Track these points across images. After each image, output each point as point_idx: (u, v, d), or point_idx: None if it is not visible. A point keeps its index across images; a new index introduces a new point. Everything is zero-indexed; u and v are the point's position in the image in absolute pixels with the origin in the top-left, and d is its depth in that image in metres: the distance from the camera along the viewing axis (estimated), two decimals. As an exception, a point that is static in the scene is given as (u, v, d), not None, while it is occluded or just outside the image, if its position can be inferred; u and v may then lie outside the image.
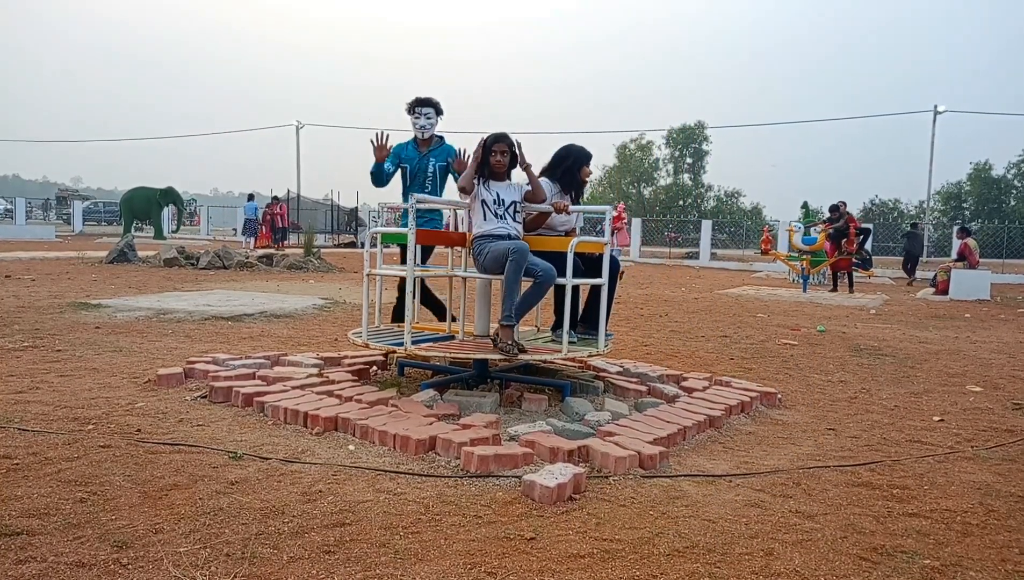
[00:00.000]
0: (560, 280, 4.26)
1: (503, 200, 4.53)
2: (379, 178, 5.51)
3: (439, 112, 5.61)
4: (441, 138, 5.73)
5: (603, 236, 4.73)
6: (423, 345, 4.50)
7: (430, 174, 5.61)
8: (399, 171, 5.66)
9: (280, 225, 27.37)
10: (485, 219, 4.53)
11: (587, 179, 5.02)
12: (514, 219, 4.56)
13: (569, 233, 4.96)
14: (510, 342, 4.21)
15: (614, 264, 4.78)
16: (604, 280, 4.51)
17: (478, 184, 4.60)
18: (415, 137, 5.67)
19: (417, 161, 5.61)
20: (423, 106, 5.54)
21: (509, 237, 4.47)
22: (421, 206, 5.15)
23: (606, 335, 4.69)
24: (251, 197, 28.84)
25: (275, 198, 28.56)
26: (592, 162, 4.99)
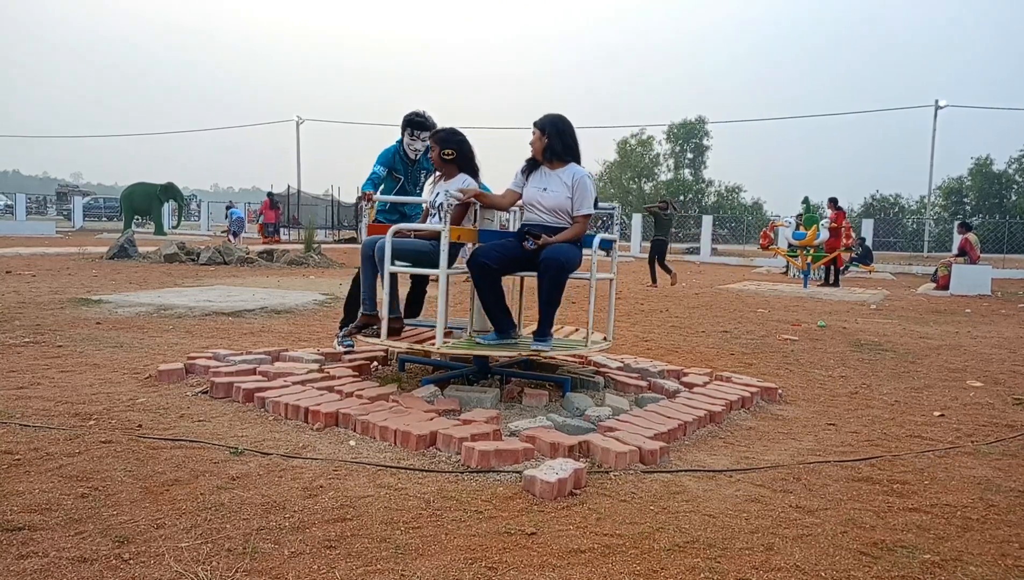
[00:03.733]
0: (433, 271, 4.30)
1: (439, 202, 4.63)
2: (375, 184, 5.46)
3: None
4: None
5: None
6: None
7: (420, 179, 5.74)
8: (388, 174, 5.61)
9: (266, 220, 27.62)
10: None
11: (533, 147, 4.37)
12: (442, 219, 4.48)
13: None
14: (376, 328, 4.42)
15: (559, 258, 4.15)
16: (441, 270, 4.19)
17: (434, 185, 4.84)
18: (405, 153, 5.50)
19: (408, 173, 5.60)
20: (422, 130, 5.38)
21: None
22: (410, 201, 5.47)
23: (545, 337, 4.32)
24: (230, 204, 29.13)
25: (268, 195, 28.76)
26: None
